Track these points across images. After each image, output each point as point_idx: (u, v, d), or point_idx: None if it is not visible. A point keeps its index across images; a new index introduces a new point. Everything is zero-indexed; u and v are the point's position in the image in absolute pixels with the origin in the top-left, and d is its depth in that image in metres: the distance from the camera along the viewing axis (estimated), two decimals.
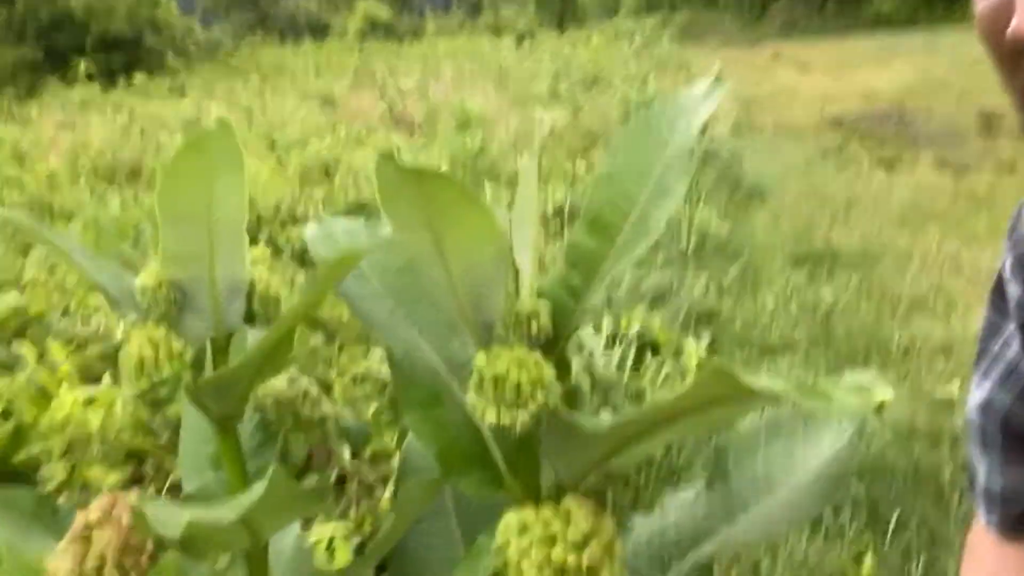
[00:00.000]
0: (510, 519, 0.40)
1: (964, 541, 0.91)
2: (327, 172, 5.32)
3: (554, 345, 0.43)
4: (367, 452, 1.86)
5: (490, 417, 0.39)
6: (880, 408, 0.27)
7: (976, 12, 0.66)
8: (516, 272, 0.43)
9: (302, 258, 3.61)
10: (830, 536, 1.93)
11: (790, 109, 8.87)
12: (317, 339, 2.41)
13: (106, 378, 1.85)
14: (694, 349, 2.44)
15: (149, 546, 0.48)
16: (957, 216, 4.61)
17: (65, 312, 2.46)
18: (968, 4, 0.68)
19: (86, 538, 0.48)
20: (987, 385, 0.77)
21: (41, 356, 1.73)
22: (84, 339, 2.27)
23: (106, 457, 1.52)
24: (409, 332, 0.50)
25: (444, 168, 4.84)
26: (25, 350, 1.56)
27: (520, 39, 20.42)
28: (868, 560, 1.58)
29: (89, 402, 1.46)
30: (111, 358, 2.35)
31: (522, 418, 0.39)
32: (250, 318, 0.54)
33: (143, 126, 7.30)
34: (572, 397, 0.48)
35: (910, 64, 11.52)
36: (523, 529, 0.40)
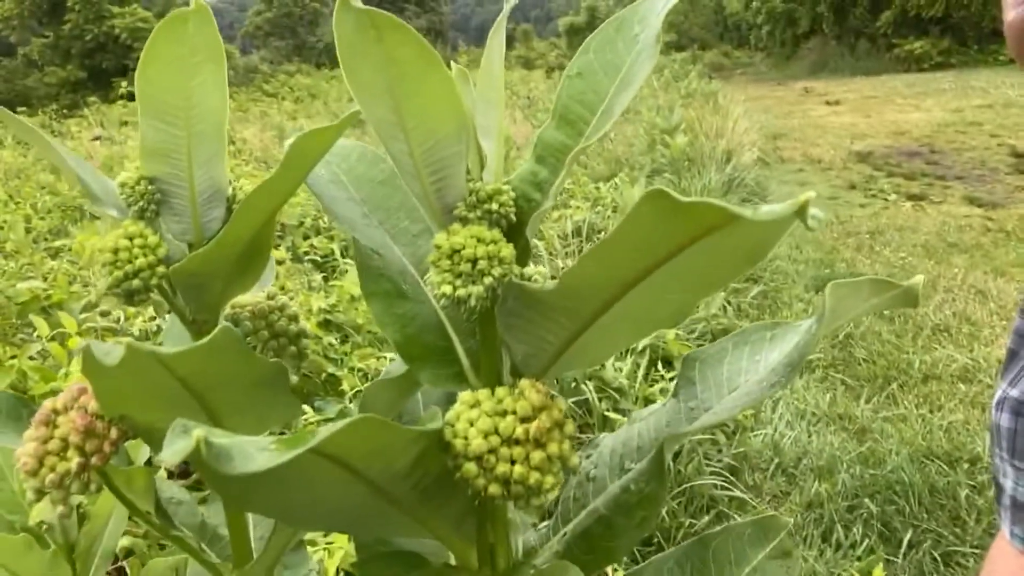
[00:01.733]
0: (464, 396, 0.40)
1: (980, 564, 0.88)
2: None
3: (518, 232, 0.43)
4: None
5: (446, 290, 0.39)
6: (803, 210, 0.26)
7: (1006, 20, 0.66)
8: (481, 158, 0.43)
9: (322, 266, 3.65)
10: (842, 551, 1.88)
11: (818, 143, 8.83)
12: (332, 338, 2.43)
13: None
14: None
15: (112, 434, 0.48)
16: (985, 249, 4.54)
17: (86, 308, 2.50)
18: (1002, 46, 0.69)
19: (51, 423, 0.48)
20: (1015, 392, 0.76)
21: (59, 339, 1.76)
22: (102, 331, 2.30)
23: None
24: (380, 234, 0.50)
25: None
26: (38, 323, 1.58)
27: (550, 71, 20.69)
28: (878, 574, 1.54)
29: None
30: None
31: (476, 291, 0.39)
32: None
33: None
34: None
35: (941, 104, 11.45)
36: (475, 404, 0.39)
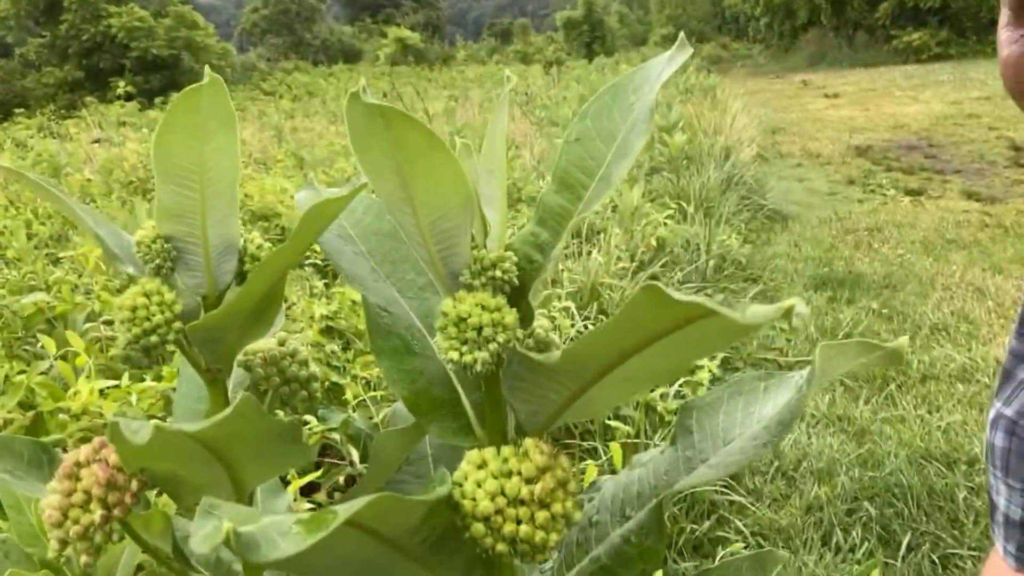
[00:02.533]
0: (471, 456, 0.42)
1: (977, 566, 0.90)
2: None
3: (520, 295, 0.45)
4: None
5: (453, 355, 0.41)
6: (789, 314, 0.28)
7: (1001, 58, 0.67)
8: (485, 226, 0.45)
9: (324, 271, 3.67)
10: (841, 554, 1.91)
11: (817, 137, 8.84)
12: (334, 345, 2.45)
13: (125, 378, 1.90)
14: (707, 366, 2.43)
15: (133, 485, 0.50)
16: (983, 245, 4.56)
17: (89, 318, 2.52)
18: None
19: (74, 476, 0.50)
20: (1009, 412, 0.77)
21: (64, 355, 1.78)
22: (107, 342, 2.32)
23: None
24: (387, 289, 0.52)
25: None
26: (46, 341, 1.61)
27: (548, 66, 20.67)
28: None
29: (105, 393, 1.50)
30: (131, 360, 2.40)
31: (482, 357, 0.41)
32: (241, 278, 0.57)
33: None
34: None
35: (940, 96, 11.45)
36: (481, 464, 0.41)
